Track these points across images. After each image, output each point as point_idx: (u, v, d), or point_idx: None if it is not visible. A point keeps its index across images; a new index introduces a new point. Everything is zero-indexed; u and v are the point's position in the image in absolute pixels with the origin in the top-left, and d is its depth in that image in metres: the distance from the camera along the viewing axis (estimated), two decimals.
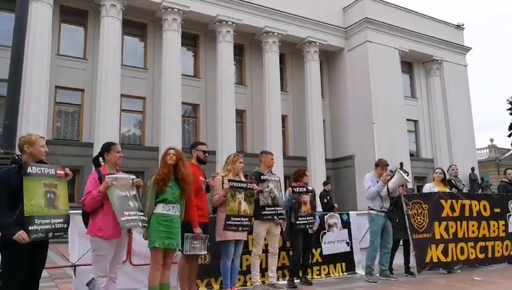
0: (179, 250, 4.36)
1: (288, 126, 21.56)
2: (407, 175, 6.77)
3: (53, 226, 3.46)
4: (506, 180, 8.34)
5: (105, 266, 3.89)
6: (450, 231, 6.68)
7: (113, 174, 3.97)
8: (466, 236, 6.85)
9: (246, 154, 16.03)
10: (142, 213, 4.03)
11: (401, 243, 6.71)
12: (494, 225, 7.19)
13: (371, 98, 20.38)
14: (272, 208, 5.45)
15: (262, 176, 5.52)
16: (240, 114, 19.95)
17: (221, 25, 18.64)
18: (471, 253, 6.84)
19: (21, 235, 3.22)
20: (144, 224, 4.03)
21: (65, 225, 3.59)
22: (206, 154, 5.08)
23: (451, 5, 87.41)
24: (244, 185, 5.11)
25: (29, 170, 3.40)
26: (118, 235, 3.91)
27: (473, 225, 6.96)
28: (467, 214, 6.95)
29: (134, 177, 4.13)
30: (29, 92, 13.88)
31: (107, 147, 4.12)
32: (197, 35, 19.93)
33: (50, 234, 3.47)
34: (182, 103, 17.44)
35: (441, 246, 6.56)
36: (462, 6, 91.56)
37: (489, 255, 7.05)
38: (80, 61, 17.24)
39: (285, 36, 20.22)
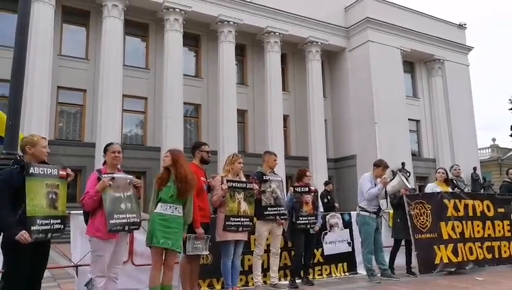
0: (179, 252, 4.34)
1: (290, 126, 21.55)
2: (409, 176, 6.74)
3: (52, 227, 3.48)
4: (508, 180, 8.30)
5: (104, 267, 3.88)
6: (456, 230, 6.65)
7: (112, 174, 3.98)
8: (472, 236, 6.82)
9: (247, 155, 16.05)
10: (133, 215, 3.96)
11: (403, 243, 6.69)
12: (498, 225, 7.15)
13: (373, 98, 20.35)
14: (275, 208, 5.45)
15: (264, 176, 5.52)
16: (241, 114, 19.95)
17: (223, 25, 18.64)
18: (480, 253, 6.81)
19: (23, 235, 3.23)
20: (131, 227, 3.98)
21: (61, 226, 3.60)
22: (209, 154, 5.12)
23: (448, 4, 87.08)
24: (244, 185, 5.10)
25: (31, 170, 3.41)
26: (116, 235, 3.91)
27: (477, 225, 6.93)
28: (470, 214, 6.93)
29: (132, 177, 4.12)
30: (31, 93, 13.93)
31: (105, 148, 4.17)
32: (199, 35, 19.94)
33: (49, 235, 3.48)
34: (184, 103, 17.46)
35: (450, 246, 6.51)
36: (461, 5, 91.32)
37: (497, 256, 7.01)
38: (81, 61, 17.27)
39: (287, 36, 20.21)
